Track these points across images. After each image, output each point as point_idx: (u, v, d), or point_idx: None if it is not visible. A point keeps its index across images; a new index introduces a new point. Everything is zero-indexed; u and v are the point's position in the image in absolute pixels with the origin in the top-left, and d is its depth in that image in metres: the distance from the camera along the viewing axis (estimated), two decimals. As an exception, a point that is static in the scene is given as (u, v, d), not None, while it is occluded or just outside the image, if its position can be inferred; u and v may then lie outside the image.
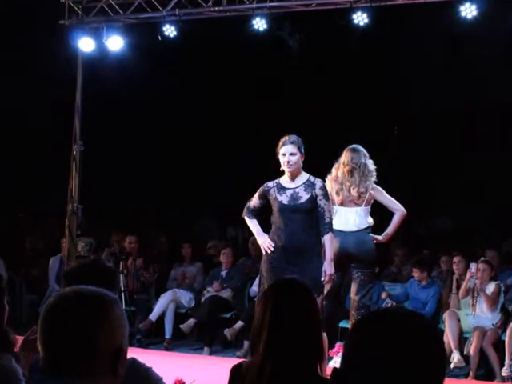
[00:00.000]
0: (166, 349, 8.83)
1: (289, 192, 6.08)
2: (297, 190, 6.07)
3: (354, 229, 6.81)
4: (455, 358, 7.42)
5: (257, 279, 7.30)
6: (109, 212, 12.12)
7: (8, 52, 10.86)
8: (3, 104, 10.94)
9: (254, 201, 6.27)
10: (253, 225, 6.29)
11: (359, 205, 6.83)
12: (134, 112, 12.41)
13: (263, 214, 6.36)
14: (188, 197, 12.88)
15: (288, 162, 6.03)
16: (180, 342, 9.18)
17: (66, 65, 9.47)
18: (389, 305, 8.11)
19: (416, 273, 8.33)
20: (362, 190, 6.80)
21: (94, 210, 10.00)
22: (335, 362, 6.82)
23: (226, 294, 9.12)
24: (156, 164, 13.11)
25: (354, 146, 6.98)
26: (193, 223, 13.08)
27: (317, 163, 6.24)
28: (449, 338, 7.53)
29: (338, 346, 6.99)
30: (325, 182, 6.43)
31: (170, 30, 8.82)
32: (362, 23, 8.06)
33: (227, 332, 8.60)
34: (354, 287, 6.93)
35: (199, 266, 9.88)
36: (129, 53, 9.22)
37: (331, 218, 6.10)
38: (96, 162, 10.30)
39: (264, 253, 6.09)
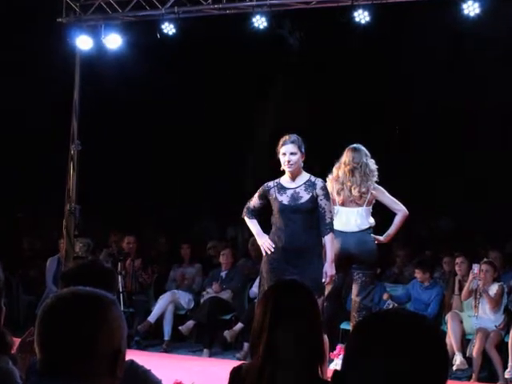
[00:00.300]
0: (165, 351, 8.79)
1: (289, 192, 6.02)
2: (297, 189, 6.01)
3: (356, 229, 6.75)
4: (458, 360, 7.38)
5: (257, 280, 7.25)
6: (107, 212, 12.06)
7: (8, 52, 10.80)
8: (3, 104, 10.88)
9: (254, 201, 6.22)
10: (253, 225, 6.24)
11: (360, 205, 6.77)
12: (133, 110, 12.37)
13: (263, 214, 6.30)
14: (187, 197, 12.83)
15: (288, 161, 5.98)
16: (179, 343, 9.14)
17: (64, 63, 9.43)
18: (390, 306, 8.07)
19: (418, 274, 8.29)
20: (363, 189, 6.74)
21: (92, 211, 9.96)
22: (336, 364, 6.77)
23: (226, 295, 9.07)
24: (155, 163, 13.06)
25: (355, 145, 6.93)
26: (192, 224, 13.03)
27: (317, 163, 6.19)
28: (451, 340, 7.49)
29: (339, 347, 6.95)
30: (325, 181, 6.37)
31: (168, 28, 8.77)
32: (363, 21, 7.99)
33: (227, 334, 8.55)
34: (355, 288, 6.87)
35: (198, 267, 9.83)
36: (127, 51, 9.18)
37: (332, 219, 6.05)
38: (94, 162, 10.25)
39: (264, 253, 6.04)
